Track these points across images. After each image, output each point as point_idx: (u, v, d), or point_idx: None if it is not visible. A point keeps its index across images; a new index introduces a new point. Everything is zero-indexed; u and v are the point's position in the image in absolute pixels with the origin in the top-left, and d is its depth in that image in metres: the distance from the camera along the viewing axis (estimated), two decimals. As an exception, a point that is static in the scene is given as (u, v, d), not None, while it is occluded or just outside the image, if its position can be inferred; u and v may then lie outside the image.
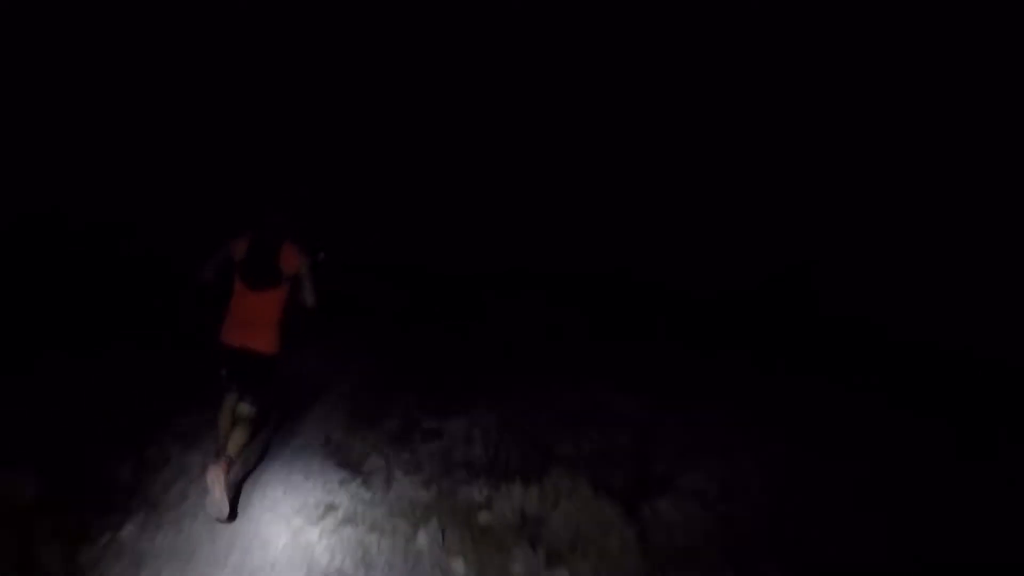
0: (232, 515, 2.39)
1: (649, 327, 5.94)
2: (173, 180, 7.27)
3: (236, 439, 2.44)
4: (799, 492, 2.86)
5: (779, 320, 6.28)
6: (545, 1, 8.59)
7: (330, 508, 2.58)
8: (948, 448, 3.50)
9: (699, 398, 3.99)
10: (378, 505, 2.62)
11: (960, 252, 6.55)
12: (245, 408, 2.51)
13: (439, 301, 6.56)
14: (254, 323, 2.48)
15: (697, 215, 8.42)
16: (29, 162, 6.43)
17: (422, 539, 2.39)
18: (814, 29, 7.82)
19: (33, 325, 4.51)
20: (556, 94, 9.14)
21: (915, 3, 7.28)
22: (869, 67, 7.74)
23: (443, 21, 8.57)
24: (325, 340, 4.52)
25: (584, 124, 9.15)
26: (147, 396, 3.53)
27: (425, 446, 3.15)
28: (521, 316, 6.13)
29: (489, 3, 8.45)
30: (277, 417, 3.30)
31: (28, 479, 2.43)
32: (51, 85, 6.85)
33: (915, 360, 5.14)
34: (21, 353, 3.97)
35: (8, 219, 5.89)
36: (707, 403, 3.89)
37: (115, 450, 2.91)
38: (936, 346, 5.32)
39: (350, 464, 2.97)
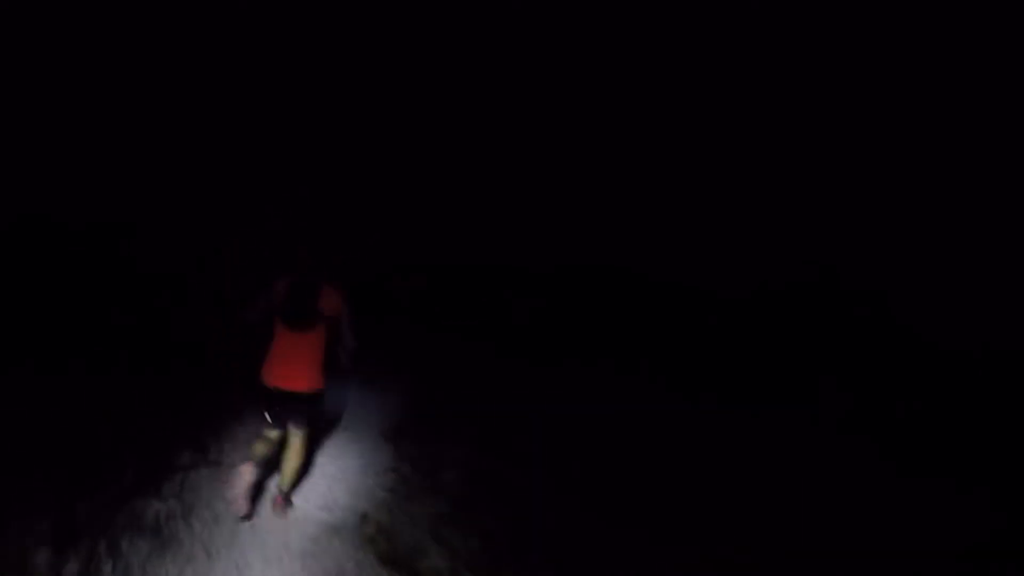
0: (249, 516, 2.63)
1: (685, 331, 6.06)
2: (173, 180, 7.27)
3: (290, 466, 2.65)
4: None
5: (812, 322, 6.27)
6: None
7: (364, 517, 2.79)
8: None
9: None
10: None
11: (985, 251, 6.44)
12: (298, 435, 2.65)
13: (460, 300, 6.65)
14: (296, 363, 2.55)
15: (724, 214, 8.27)
16: (29, 162, 6.42)
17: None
18: (858, 21, 7.57)
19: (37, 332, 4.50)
20: (577, 91, 9.00)
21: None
22: (906, 65, 7.45)
23: (453, 17, 8.52)
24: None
25: (607, 123, 9.00)
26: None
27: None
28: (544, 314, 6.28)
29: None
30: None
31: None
32: (51, 85, 6.84)
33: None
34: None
35: (8, 219, 5.89)
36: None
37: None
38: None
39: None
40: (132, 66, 7.27)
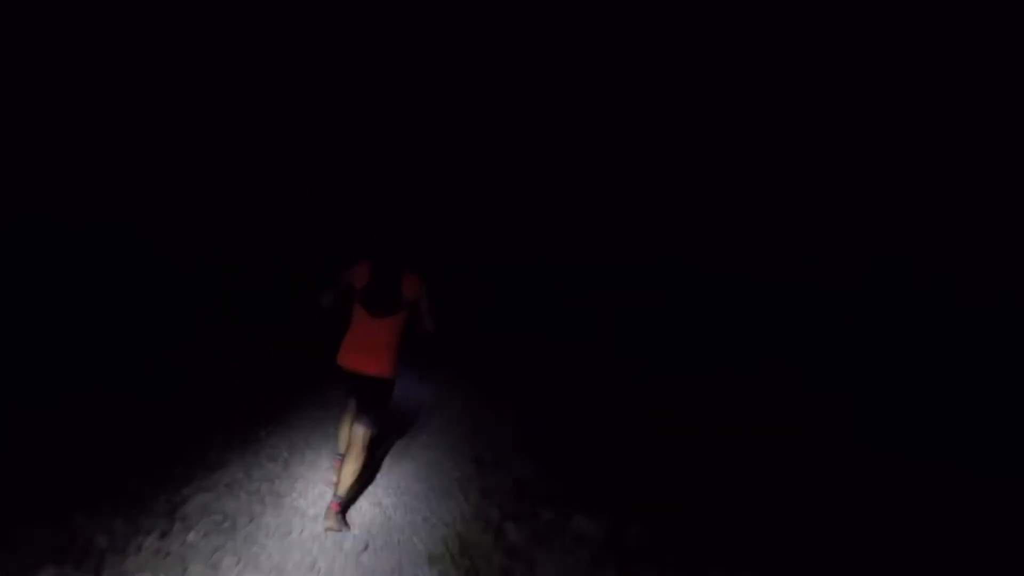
0: (340, 526, 2.59)
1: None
2: (173, 180, 7.27)
3: (349, 470, 2.57)
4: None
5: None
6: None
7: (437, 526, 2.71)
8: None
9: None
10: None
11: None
12: (360, 430, 2.61)
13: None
14: (372, 348, 2.56)
15: (797, 206, 8.04)
16: (29, 162, 6.42)
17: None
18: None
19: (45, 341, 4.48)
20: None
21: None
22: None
23: (473, 14, 8.42)
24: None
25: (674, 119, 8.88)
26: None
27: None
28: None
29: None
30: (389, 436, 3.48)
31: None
32: (50, 85, 6.84)
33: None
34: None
35: (8, 219, 5.89)
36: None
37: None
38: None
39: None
40: (132, 67, 7.27)
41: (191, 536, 2.41)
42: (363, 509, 2.78)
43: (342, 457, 2.67)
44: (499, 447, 3.44)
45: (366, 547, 2.49)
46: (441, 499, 2.91)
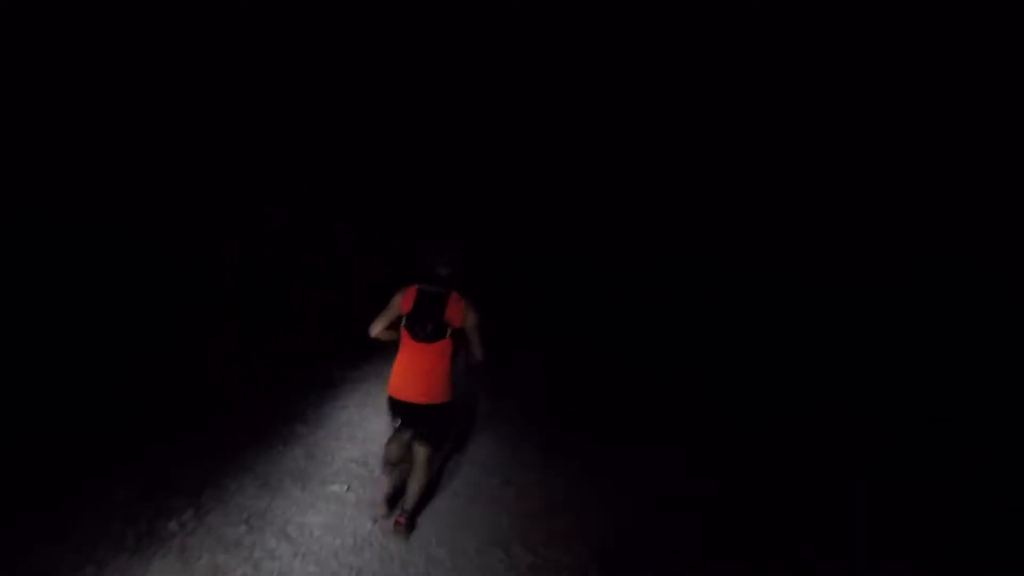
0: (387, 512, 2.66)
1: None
2: (173, 180, 7.27)
3: (414, 486, 2.64)
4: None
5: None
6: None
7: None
8: None
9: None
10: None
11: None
12: (422, 450, 2.62)
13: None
14: (423, 376, 2.49)
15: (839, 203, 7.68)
16: (29, 162, 6.42)
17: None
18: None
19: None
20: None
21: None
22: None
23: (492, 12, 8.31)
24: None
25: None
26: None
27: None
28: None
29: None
30: (450, 448, 3.40)
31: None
32: (50, 85, 6.84)
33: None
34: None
35: (8, 219, 5.89)
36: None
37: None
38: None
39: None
40: (132, 67, 7.27)
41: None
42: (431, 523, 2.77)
43: (389, 468, 2.71)
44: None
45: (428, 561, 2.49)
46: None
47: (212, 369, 4.17)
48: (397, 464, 2.73)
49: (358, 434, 3.50)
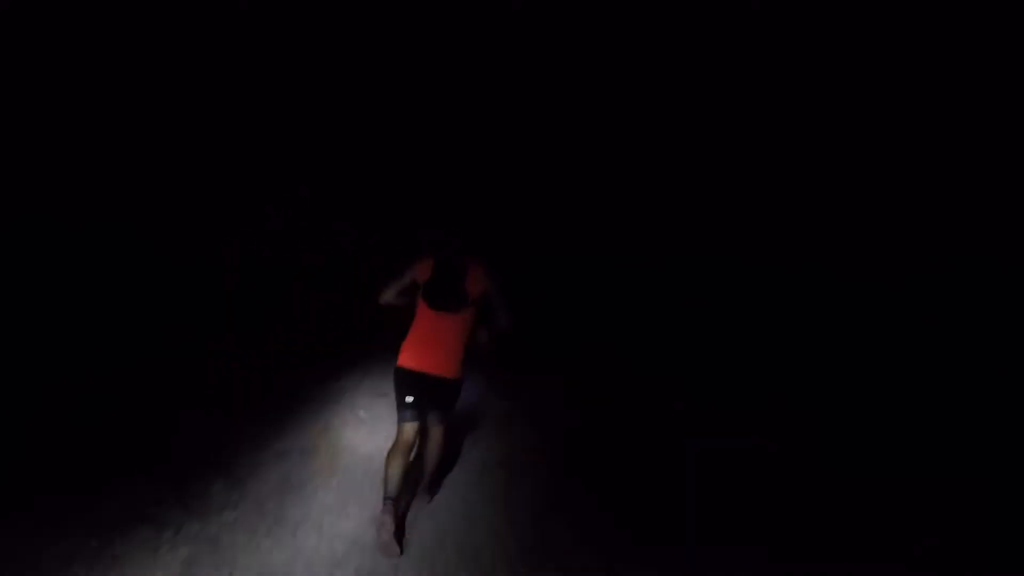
0: (401, 552, 2.35)
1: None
2: (173, 180, 7.27)
3: (432, 457, 2.56)
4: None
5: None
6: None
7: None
8: None
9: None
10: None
11: None
12: (435, 426, 2.54)
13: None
14: (439, 347, 2.41)
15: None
16: (29, 162, 6.43)
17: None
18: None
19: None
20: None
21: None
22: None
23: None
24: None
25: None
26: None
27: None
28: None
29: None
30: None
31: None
32: (50, 85, 6.84)
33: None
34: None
35: (8, 219, 5.89)
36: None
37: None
38: None
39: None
40: (132, 66, 7.27)
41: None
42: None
43: (392, 501, 2.32)
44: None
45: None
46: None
47: (212, 369, 4.18)
48: (400, 494, 2.41)
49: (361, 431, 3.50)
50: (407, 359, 2.42)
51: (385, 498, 2.33)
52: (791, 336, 5.20)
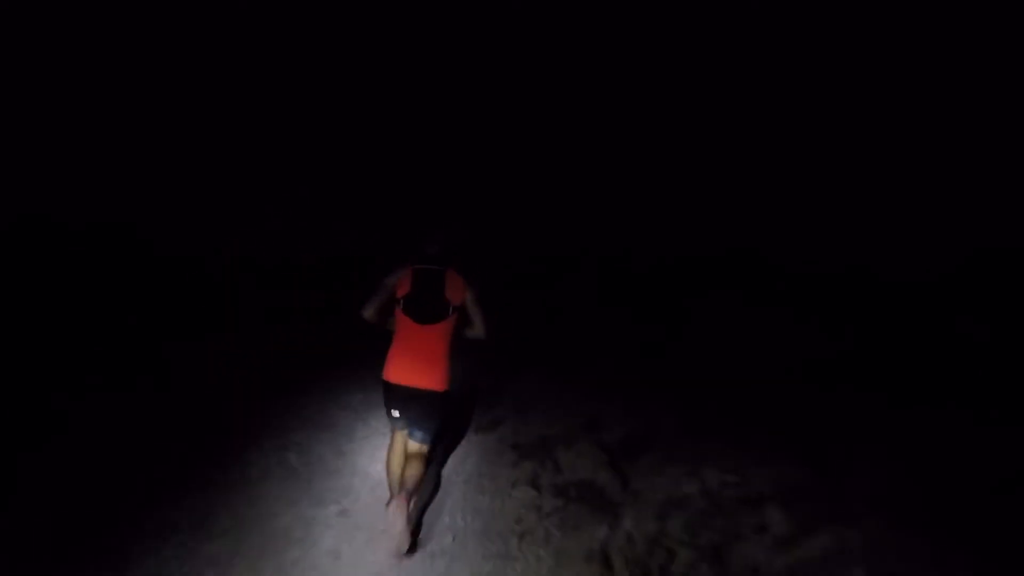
0: (412, 549, 2.33)
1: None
2: (173, 180, 7.27)
3: (412, 473, 2.35)
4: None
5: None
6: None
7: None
8: None
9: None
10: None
11: None
12: (415, 445, 2.42)
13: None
14: (422, 359, 2.37)
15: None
16: (29, 162, 6.43)
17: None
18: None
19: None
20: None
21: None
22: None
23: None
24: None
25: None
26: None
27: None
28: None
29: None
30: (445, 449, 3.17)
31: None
32: (50, 85, 6.84)
33: None
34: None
35: (8, 219, 5.89)
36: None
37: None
38: None
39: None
40: (132, 66, 7.27)
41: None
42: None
43: (404, 495, 2.30)
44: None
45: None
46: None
47: (212, 369, 4.17)
48: (413, 489, 2.36)
49: (358, 434, 3.49)
50: (392, 372, 2.39)
51: (392, 487, 2.39)
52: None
